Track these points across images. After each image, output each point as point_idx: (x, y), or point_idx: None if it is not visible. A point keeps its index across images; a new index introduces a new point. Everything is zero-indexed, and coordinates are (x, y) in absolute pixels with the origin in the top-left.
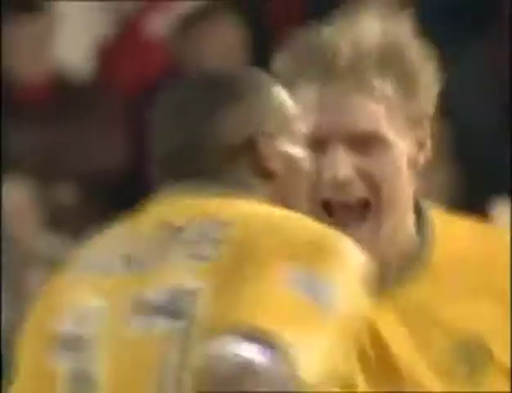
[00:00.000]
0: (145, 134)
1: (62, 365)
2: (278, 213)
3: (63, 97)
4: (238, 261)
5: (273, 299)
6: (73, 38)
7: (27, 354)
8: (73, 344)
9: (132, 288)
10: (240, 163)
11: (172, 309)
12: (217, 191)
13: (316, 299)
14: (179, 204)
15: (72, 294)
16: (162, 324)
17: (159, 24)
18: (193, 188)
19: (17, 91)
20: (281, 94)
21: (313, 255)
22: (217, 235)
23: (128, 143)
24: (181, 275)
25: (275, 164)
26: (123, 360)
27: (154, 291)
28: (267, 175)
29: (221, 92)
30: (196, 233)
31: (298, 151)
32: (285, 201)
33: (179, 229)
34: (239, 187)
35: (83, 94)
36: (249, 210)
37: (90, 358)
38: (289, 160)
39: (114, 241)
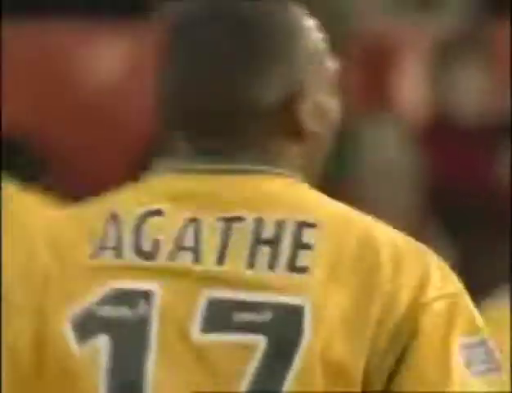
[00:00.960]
0: None
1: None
2: (379, 226)
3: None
4: (359, 296)
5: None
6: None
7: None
8: (109, 323)
9: (204, 284)
10: (272, 126)
11: (270, 325)
12: (258, 167)
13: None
14: (223, 178)
15: (101, 275)
16: (244, 337)
17: None
18: (224, 156)
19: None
20: (315, 32)
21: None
22: (306, 239)
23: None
24: (280, 287)
25: (312, 125)
26: (182, 361)
27: (249, 299)
28: (301, 137)
29: (255, 41)
30: (278, 234)
31: (328, 99)
32: (312, 159)
33: (240, 219)
34: (276, 158)
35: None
36: (333, 209)
37: (137, 345)
38: (323, 115)
39: (142, 217)
